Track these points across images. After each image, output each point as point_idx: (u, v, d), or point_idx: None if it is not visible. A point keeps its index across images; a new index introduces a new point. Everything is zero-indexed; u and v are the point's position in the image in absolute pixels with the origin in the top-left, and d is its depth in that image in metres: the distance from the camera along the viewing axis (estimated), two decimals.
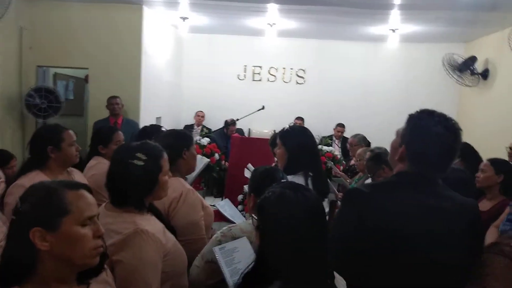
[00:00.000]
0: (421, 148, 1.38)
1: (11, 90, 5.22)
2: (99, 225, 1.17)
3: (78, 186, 1.17)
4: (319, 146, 4.70)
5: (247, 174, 3.08)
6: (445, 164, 1.40)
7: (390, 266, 1.32)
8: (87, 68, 5.80)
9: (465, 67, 6.20)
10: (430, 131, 1.37)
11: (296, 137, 2.36)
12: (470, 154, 3.12)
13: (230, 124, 6.54)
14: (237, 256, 1.57)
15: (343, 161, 4.82)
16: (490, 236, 2.23)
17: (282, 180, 1.71)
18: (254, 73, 7.70)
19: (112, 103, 5.24)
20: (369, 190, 1.41)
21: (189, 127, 7.24)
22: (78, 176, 2.44)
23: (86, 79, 6.32)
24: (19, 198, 1.12)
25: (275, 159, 2.79)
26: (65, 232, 1.09)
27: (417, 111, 1.44)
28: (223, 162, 5.77)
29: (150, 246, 1.48)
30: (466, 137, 5.68)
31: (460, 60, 6.25)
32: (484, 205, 2.63)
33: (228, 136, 6.27)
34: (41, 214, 1.09)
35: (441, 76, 6.49)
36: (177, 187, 1.94)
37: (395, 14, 5.46)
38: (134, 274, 1.44)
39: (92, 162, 2.84)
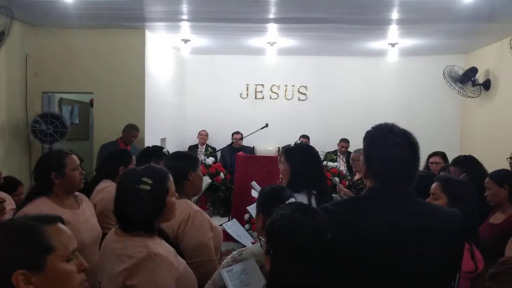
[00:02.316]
0: (377, 166, 1.39)
1: (17, 117, 5.29)
2: (82, 258, 1.12)
3: (54, 219, 1.10)
4: (324, 162, 4.70)
5: (254, 193, 3.07)
6: (406, 178, 1.38)
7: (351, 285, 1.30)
8: (91, 93, 5.89)
9: (466, 79, 6.23)
10: (382, 150, 1.37)
11: (300, 155, 2.37)
12: (474, 167, 3.07)
13: (234, 133, 6.79)
14: (245, 278, 1.55)
15: (349, 177, 4.81)
16: (510, 250, 2.15)
17: (290, 199, 1.71)
18: (256, 91, 7.76)
19: (133, 135, 5.26)
20: (334, 207, 1.40)
21: (194, 148, 7.28)
22: (85, 201, 2.44)
23: (91, 103, 6.40)
24: None
25: (280, 176, 2.78)
26: (52, 271, 1.02)
27: (372, 127, 1.44)
28: (228, 180, 5.77)
29: (163, 269, 1.48)
30: (470, 149, 5.64)
31: (460, 72, 6.29)
32: (497, 217, 2.57)
33: (235, 149, 6.34)
34: (23, 255, 1.00)
35: (442, 88, 6.52)
36: (184, 209, 1.95)
37: (393, 29, 5.53)
38: None
39: (101, 185, 2.85)
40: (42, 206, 2.12)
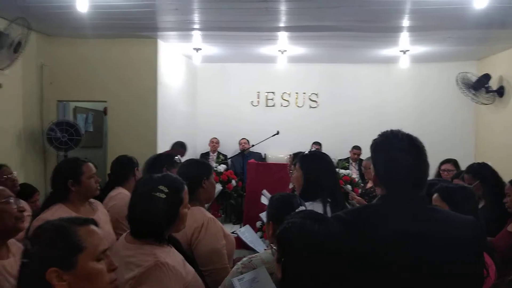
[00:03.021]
0: (385, 174, 1.39)
1: (33, 125, 5.40)
2: (112, 258, 1.18)
3: (87, 221, 1.17)
4: (336, 169, 4.68)
5: (264, 200, 3.07)
6: (414, 183, 1.37)
7: None
8: (105, 101, 5.98)
9: (480, 85, 6.16)
10: (387, 155, 1.37)
11: (315, 162, 2.35)
12: (488, 174, 3.03)
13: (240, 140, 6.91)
14: (256, 286, 1.55)
15: (361, 184, 4.78)
16: None
17: (300, 207, 1.71)
18: (267, 99, 7.79)
19: (179, 153, 5.16)
20: (346, 215, 1.40)
21: (205, 155, 7.31)
22: (100, 208, 2.48)
23: (105, 111, 6.50)
24: (28, 240, 1.12)
25: (291, 184, 2.77)
26: (83, 269, 1.09)
27: (378, 135, 1.44)
28: (240, 187, 5.79)
29: (170, 279, 1.47)
30: (485, 156, 5.56)
31: (473, 78, 6.23)
32: None
33: (245, 156, 6.37)
34: (56, 254, 1.08)
35: (455, 95, 6.46)
36: (198, 216, 1.96)
37: (404, 36, 5.51)
38: None
39: (114, 191, 2.88)
40: (58, 212, 2.16)
